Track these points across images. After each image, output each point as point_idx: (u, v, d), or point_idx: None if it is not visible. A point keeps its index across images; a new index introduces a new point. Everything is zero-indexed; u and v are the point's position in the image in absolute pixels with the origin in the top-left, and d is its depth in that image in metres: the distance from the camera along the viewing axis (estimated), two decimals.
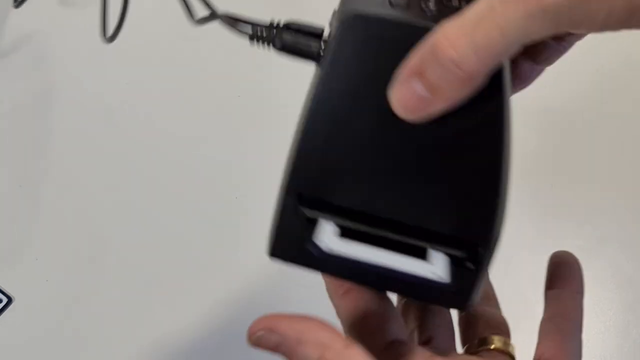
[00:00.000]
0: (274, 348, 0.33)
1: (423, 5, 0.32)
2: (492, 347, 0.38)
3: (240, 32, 0.38)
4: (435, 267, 0.33)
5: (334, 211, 0.33)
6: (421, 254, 0.34)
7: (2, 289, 0.68)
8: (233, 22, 0.38)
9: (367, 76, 0.31)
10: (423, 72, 0.29)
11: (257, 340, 0.33)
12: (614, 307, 0.68)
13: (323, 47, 0.35)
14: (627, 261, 0.70)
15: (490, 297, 0.42)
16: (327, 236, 0.34)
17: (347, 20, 0.31)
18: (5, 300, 0.67)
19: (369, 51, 0.31)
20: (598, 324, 0.67)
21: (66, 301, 0.68)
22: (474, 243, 0.33)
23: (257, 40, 0.37)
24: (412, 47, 0.30)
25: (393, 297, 0.38)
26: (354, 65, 0.32)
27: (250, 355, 0.38)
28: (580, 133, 0.80)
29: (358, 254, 0.34)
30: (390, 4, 0.33)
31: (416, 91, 0.29)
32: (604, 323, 0.67)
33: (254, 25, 0.37)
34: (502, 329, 0.40)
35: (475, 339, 0.39)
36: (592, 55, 0.82)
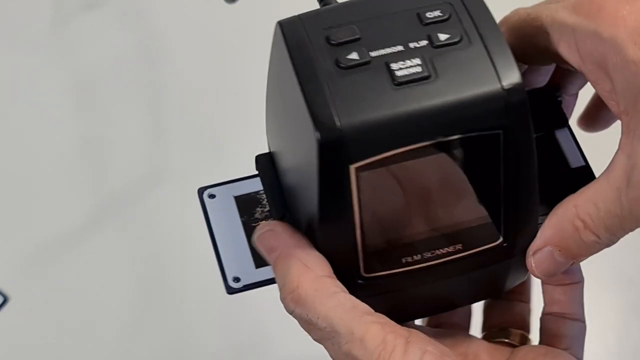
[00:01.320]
0: (269, 250, 0.34)
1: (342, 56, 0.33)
2: (510, 340, 0.39)
3: None
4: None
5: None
6: None
7: None
8: None
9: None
10: (564, 246, 0.34)
11: (261, 236, 0.35)
12: (614, 307, 0.68)
13: None
14: (628, 261, 0.70)
15: (523, 290, 0.42)
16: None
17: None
18: (1, 299, 0.67)
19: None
20: (598, 324, 0.67)
21: (62, 300, 0.68)
22: None
23: None
24: None
25: None
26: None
27: None
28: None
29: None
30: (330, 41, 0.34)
31: (556, 260, 0.35)
32: (604, 323, 0.67)
33: None
34: (523, 324, 0.40)
35: (496, 328, 0.40)
36: None
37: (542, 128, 0.38)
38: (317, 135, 0.31)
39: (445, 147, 0.32)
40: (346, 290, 0.33)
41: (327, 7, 0.36)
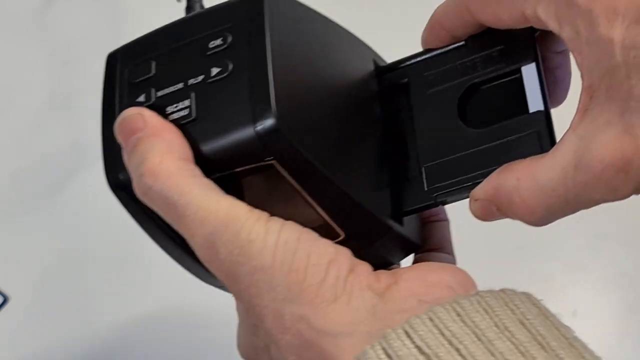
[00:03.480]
0: (134, 130, 0.33)
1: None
2: None
3: None
4: None
5: None
6: None
7: None
8: None
9: None
10: (500, 208, 0.33)
11: (127, 118, 0.33)
12: (614, 307, 0.68)
13: None
14: (628, 260, 0.70)
15: (444, 244, 0.42)
16: None
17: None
18: (1, 299, 0.67)
19: None
20: (598, 324, 0.67)
21: (62, 300, 0.68)
22: None
23: None
24: None
25: None
26: None
27: None
28: None
29: None
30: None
31: (493, 212, 0.34)
32: (604, 323, 0.67)
33: None
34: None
35: None
36: None
37: (509, 63, 0.36)
38: (108, 180, 0.34)
39: (236, 176, 0.33)
40: (205, 177, 0.32)
41: (147, 34, 0.36)
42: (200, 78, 0.33)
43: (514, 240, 0.65)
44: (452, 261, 0.41)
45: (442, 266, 0.33)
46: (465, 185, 0.35)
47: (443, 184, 0.36)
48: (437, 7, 0.37)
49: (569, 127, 0.31)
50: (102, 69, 0.36)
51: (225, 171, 0.33)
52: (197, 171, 0.32)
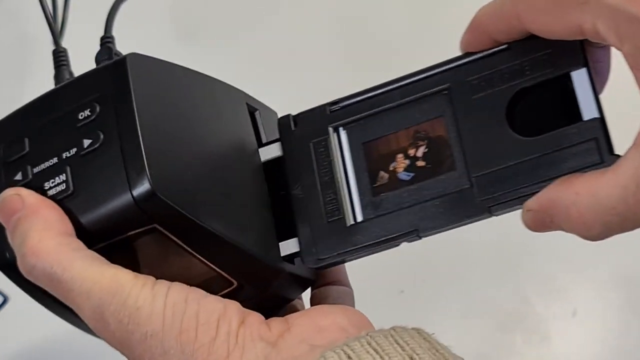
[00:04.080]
0: (13, 212, 0.34)
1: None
2: None
3: None
4: None
5: None
6: None
7: None
8: None
9: None
10: (555, 221, 0.33)
11: (5, 200, 0.34)
12: (614, 307, 0.68)
13: None
14: (628, 260, 0.70)
15: (340, 277, 0.42)
16: None
17: None
18: (1, 299, 0.67)
19: None
20: (598, 324, 0.67)
21: None
22: None
23: None
24: None
25: None
26: None
27: None
28: None
29: None
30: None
31: (545, 222, 0.34)
32: (604, 323, 0.67)
33: None
34: (347, 301, 0.41)
35: None
36: None
37: (557, 68, 0.35)
38: None
39: (122, 243, 0.33)
40: (87, 249, 0.33)
41: (17, 110, 0.36)
42: (74, 151, 0.34)
43: (515, 241, 0.65)
44: (350, 293, 0.42)
45: (333, 309, 0.34)
46: (520, 196, 0.34)
47: (496, 194, 0.35)
48: (480, 9, 0.35)
49: (632, 144, 0.31)
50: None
51: (109, 240, 0.33)
52: (78, 244, 0.33)
